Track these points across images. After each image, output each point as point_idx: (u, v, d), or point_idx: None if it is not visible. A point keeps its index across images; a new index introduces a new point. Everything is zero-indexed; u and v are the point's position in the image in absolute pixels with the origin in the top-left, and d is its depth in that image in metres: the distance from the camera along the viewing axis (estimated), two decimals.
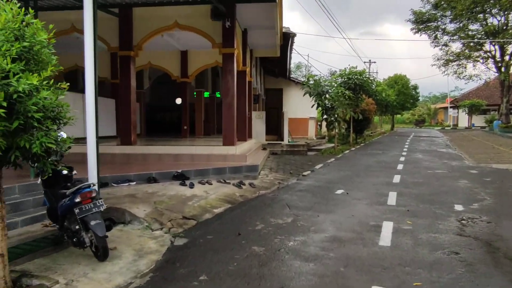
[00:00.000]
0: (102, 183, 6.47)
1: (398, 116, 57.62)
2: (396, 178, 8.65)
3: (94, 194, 3.72)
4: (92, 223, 3.53)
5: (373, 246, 4.18)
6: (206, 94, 20.31)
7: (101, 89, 17.69)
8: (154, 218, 5.07)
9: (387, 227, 4.85)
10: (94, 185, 3.92)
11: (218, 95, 20.23)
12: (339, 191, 7.21)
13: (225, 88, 9.25)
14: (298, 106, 23.55)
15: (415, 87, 41.46)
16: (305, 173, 9.34)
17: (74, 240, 3.63)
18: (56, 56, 3.29)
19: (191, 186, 6.83)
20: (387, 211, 5.69)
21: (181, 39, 13.03)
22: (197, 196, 6.25)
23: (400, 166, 10.74)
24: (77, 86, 18.49)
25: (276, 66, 20.55)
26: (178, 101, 23.61)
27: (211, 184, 7.22)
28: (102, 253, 3.58)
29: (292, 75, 29.16)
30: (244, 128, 12.06)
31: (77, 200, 3.58)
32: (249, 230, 4.77)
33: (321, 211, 5.70)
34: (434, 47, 30.15)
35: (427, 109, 59.01)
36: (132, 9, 9.44)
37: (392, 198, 6.57)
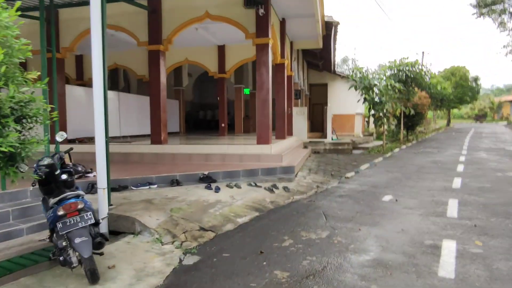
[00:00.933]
0: (121, 186, 6.03)
1: (455, 110, 53.50)
2: (457, 182, 7.40)
3: (80, 206, 3.13)
4: (77, 240, 2.95)
5: (431, 277, 3.22)
6: (247, 91, 19.77)
7: (140, 87, 17.80)
8: (166, 229, 4.45)
9: (449, 249, 3.84)
10: (82, 196, 3.33)
11: (247, 92, 19.61)
12: (387, 198, 6.18)
13: (260, 82, 8.51)
14: (344, 101, 22.26)
15: (476, 79, 37.97)
16: (348, 175, 8.35)
17: (61, 258, 3.09)
18: (27, 41, 2.71)
19: (217, 190, 6.17)
20: (448, 226, 4.63)
21: (217, 32, 12.48)
22: (221, 202, 5.57)
23: (460, 168, 9.35)
24: (118, 86, 18.80)
25: (319, 60, 19.44)
26: None
27: (240, 187, 6.52)
28: (89, 276, 3.00)
29: (338, 70, 27.79)
30: (282, 125, 11.26)
31: (60, 213, 3.02)
32: (274, 247, 3.99)
33: (363, 223, 4.77)
34: (500, 32, 27.16)
35: (489, 102, 54.11)
36: (160, 1, 8.99)
37: (452, 208, 5.45)
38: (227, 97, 17.25)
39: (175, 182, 6.44)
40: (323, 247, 3.98)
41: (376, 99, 14.15)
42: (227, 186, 6.54)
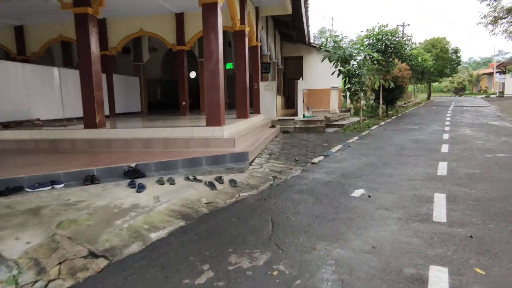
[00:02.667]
0: (10, 189, 4.54)
1: (435, 84, 53.04)
2: (442, 168, 6.21)
3: None
4: None
5: None
6: (230, 66, 18.07)
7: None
8: (35, 258, 3.05)
9: (440, 281, 2.59)
10: None
11: (229, 67, 17.99)
12: (358, 192, 4.92)
13: (207, 51, 6.98)
14: (320, 75, 20.91)
15: (456, 51, 37.12)
16: (315, 160, 7.06)
17: None
18: None
19: (140, 189, 4.76)
20: (435, 239, 3.38)
21: None
22: (139, 207, 4.19)
23: (445, 148, 8.19)
24: (72, 61, 16.81)
25: (293, 30, 17.84)
26: (192, 74, 21.57)
27: (174, 183, 5.13)
28: None
29: (316, 42, 26.26)
30: (244, 102, 9.82)
31: None
32: None
33: (322, 236, 3.49)
34: (480, 2, 26.00)
35: (468, 75, 53.77)
36: None
37: (440, 208, 4.23)
38: (192, 72, 15.65)
39: (89, 180, 4.98)
40: (255, 286, 2.66)
41: (352, 71, 12.82)
42: (158, 182, 5.14)
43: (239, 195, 4.89)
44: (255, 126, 9.66)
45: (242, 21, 9.62)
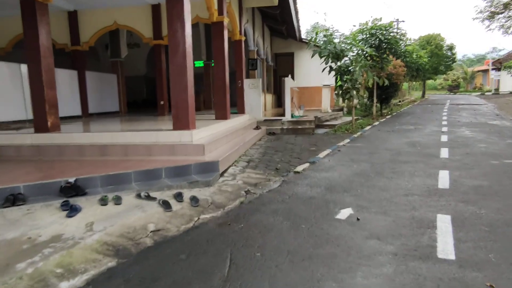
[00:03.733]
0: None
1: (429, 81, 52.45)
2: (444, 179, 5.32)
3: None
4: None
5: None
6: (199, 63, 17.16)
7: (61, 59, 14.84)
8: None
9: None
10: None
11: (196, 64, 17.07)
12: (345, 213, 4.02)
13: (172, 43, 6.02)
14: (313, 72, 20.02)
15: (451, 47, 36.40)
16: (299, 169, 6.15)
17: None
18: None
19: (72, 212, 3.82)
20: None
21: None
22: (60, 240, 3.25)
23: (444, 152, 7.32)
24: None
25: (282, 24, 16.91)
26: None
27: (120, 203, 4.19)
28: None
29: (308, 38, 25.36)
30: (223, 102, 8.87)
31: None
32: None
33: (291, 287, 2.58)
34: None
35: (462, 72, 53.19)
36: None
37: (445, 237, 3.33)
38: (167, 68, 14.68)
39: (10, 200, 4.02)
40: None
41: (344, 67, 11.92)
42: (100, 201, 4.20)
43: (198, 218, 3.96)
44: (236, 128, 8.73)
45: (220, 12, 8.66)
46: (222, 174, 5.61)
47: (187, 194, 4.61)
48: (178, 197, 4.42)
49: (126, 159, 5.66)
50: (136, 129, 6.90)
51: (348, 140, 9.23)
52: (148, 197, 4.37)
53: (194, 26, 15.16)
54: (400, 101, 27.76)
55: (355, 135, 10.18)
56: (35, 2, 6.35)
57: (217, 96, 8.91)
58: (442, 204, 4.21)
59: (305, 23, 74.71)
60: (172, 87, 6.09)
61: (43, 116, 6.57)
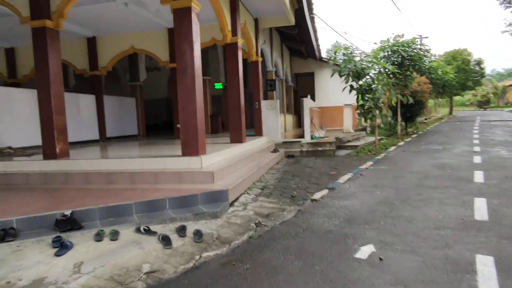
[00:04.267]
0: None
1: (457, 97, 50.74)
2: (481, 208, 4.71)
3: None
4: None
5: None
6: (218, 86, 17.06)
7: (81, 83, 15.05)
8: None
9: None
10: None
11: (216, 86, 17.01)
12: (365, 251, 3.51)
13: (180, 65, 5.80)
14: (334, 92, 19.56)
15: (479, 62, 35.11)
16: (316, 196, 5.67)
17: None
18: None
19: (62, 250, 3.50)
20: None
21: (161, 11, 9.85)
22: (42, 286, 2.91)
23: (478, 176, 6.65)
24: (68, 83, 16.10)
25: (301, 44, 16.70)
26: None
27: (116, 238, 3.85)
28: None
29: (328, 57, 25.07)
30: (238, 124, 8.57)
31: None
32: None
33: None
34: (505, 9, 24.37)
35: (492, 87, 51.22)
36: None
37: (489, 285, 2.77)
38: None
39: (2, 235, 3.76)
40: None
41: (365, 86, 11.44)
42: (96, 236, 3.87)
43: (200, 257, 3.55)
44: (251, 151, 8.37)
45: (234, 33, 8.47)
46: (232, 204, 5.20)
47: (191, 227, 4.23)
48: (181, 231, 4.04)
49: (131, 188, 5.36)
50: (145, 155, 6.66)
51: (371, 163, 8.67)
52: (148, 231, 4.02)
53: (213, 48, 15.20)
54: (426, 119, 26.75)
55: (379, 157, 9.59)
56: (46, 29, 6.33)
57: (231, 119, 8.62)
58: (481, 241, 3.62)
59: (325, 43, 74.65)
60: (181, 112, 5.83)
61: (51, 142, 6.45)
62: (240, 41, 8.68)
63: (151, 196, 4.75)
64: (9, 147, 8.77)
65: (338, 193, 5.92)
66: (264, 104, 11.43)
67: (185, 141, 5.84)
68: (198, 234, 3.97)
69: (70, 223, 4.00)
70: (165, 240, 3.78)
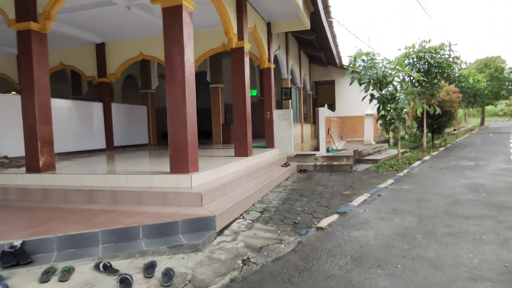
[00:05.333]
0: None
1: (488, 107, 48.25)
2: None
3: None
4: None
5: None
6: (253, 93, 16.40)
7: (95, 91, 14.75)
8: None
9: None
10: None
11: (253, 93, 16.37)
12: None
13: (169, 70, 5.14)
14: (355, 101, 18.52)
15: None
16: (323, 223, 4.84)
17: None
18: None
19: None
20: None
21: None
22: None
23: None
24: (81, 90, 15.91)
25: (319, 51, 15.90)
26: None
27: (67, 279, 3.16)
28: None
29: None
30: (243, 136, 7.83)
31: None
32: None
33: None
34: None
35: None
36: None
37: None
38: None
39: None
40: None
41: (387, 94, 10.48)
42: (44, 274, 3.19)
43: None
44: (258, 166, 7.61)
45: (240, 37, 7.79)
46: (221, 232, 4.44)
47: (163, 263, 3.50)
48: (148, 270, 3.32)
49: (109, 210, 4.70)
50: (133, 170, 6.00)
51: (391, 181, 7.71)
52: (109, 269, 3.31)
53: (227, 54, 14.59)
54: (455, 130, 25.18)
55: (401, 174, 8.60)
56: (31, 32, 5.84)
57: (236, 130, 7.90)
58: None
59: (348, 51, 73.15)
60: (169, 123, 5.15)
61: (35, 154, 5.92)
62: (247, 46, 7.98)
63: (124, 222, 4.05)
64: (5, 157, 8.38)
65: (350, 220, 5.05)
66: (276, 113, 10.67)
67: (173, 156, 5.15)
68: (167, 275, 3.22)
69: (17, 257, 3.35)
70: (124, 284, 3.06)
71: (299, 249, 4.02)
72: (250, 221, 4.95)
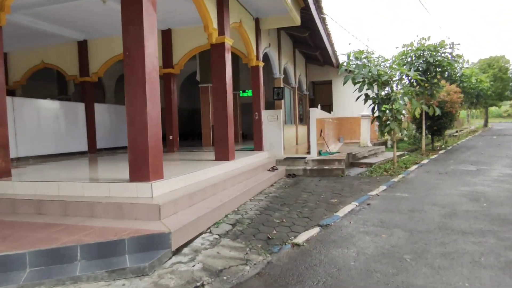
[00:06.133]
0: None
1: (492, 108, 47.49)
2: None
3: None
4: None
5: None
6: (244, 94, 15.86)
7: (78, 91, 14.19)
8: None
9: None
10: None
11: (242, 94, 15.78)
12: None
13: (128, 66, 4.56)
14: (353, 101, 17.98)
15: None
16: (300, 239, 4.25)
17: None
18: None
19: None
20: None
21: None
22: None
23: None
24: (67, 91, 15.39)
25: (315, 49, 15.31)
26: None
27: None
28: None
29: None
30: (224, 139, 7.25)
31: None
32: None
33: None
34: None
35: None
36: None
37: None
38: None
39: None
40: None
41: (382, 94, 9.88)
42: None
43: None
44: (241, 170, 7.03)
45: (221, 31, 7.22)
46: (179, 250, 3.86)
47: None
48: None
49: (55, 223, 4.13)
50: (92, 177, 5.42)
51: (384, 187, 7.11)
52: None
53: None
54: (456, 132, 24.50)
55: (395, 179, 7.99)
56: None
57: (217, 132, 7.32)
58: None
59: (345, 48, 72.04)
60: (128, 125, 4.58)
61: None
62: (229, 41, 7.40)
63: (61, 240, 3.48)
64: None
65: (331, 234, 4.46)
66: (265, 114, 10.09)
67: (133, 162, 4.58)
68: None
69: None
70: None
71: (266, 272, 3.43)
72: (217, 236, 4.37)
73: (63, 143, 10.62)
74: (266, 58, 13.07)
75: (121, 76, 15.00)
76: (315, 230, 4.60)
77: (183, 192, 4.82)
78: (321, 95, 23.40)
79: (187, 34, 10.53)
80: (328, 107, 21.06)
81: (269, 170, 8.52)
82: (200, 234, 4.38)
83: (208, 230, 4.54)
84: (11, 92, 12.29)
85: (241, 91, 15.60)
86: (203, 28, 7.05)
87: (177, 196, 4.56)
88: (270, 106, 13.43)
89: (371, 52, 9.92)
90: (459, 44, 35.29)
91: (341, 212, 5.41)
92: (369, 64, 9.72)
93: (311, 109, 9.85)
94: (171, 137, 10.76)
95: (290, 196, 6.63)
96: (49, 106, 10.45)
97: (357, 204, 5.89)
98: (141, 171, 4.52)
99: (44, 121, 10.06)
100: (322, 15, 10.70)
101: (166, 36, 10.59)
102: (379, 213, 5.37)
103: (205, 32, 7.07)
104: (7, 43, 11.60)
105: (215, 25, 7.11)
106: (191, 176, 5.50)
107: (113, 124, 12.64)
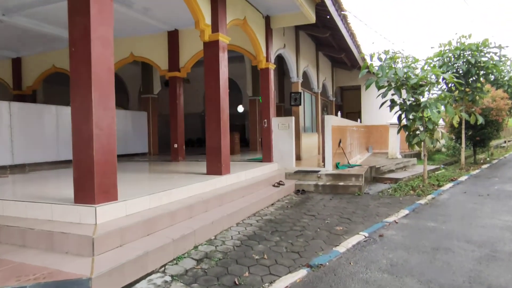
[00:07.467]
0: None
1: None
2: None
3: None
4: None
5: None
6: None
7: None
8: None
9: None
10: None
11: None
12: None
13: (73, 64, 3.78)
14: (383, 108, 16.56)
15: None
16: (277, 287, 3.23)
17: None
18: None
19: None
20: None
21: (151, 9, 8.21)
22: None
23: None
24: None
25: (339, 52, 14.13)
26: (240, 109, 18.83)
27: None
28: None
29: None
30: (217, 149, 6.34)
31: None
32: None
33: None
34: None
35: None
36: None
37: None
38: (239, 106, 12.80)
39: None
40: None
41: (411, 100, 8.58)
42: None
43: None
44: (238, 186, 6.13)
45: (215, 28, 6.34)
46: None
47: None
48: None
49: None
50: (42, 196, 4.65)
51: (406, 212, 5.87)
52: None
53: (241, 59, 13.28)
54: (505, 142, 22.11)
55: (422, 201, 6.70)
56: None
57: (209, 141, 6.41)
58: None
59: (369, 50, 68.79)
60: (73, 136, 3.78)
61: None
62: (225, 39, 6.51)
63: None
64: None
65: (320, 281, 3.39)
66: (275, 122, 9.09)
67: (77, 181, 3.77)
68: None
69: None
70: None
71: None
72: (169, 279, 3.43)
73: (57, 150, 10.16)
74: (281, 60, 12.10)
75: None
76: (301, 273, 3.56)
77: (141, 217, 3.94)
78: (349, 102, 22.04)
79: (196, 35, 9.79)
80: (356, 114, 19.67)
81: (274, 186, 7.50)
82: (149, 274, 3.46)
83: (162, 269, 3.62)
84: (23, 97, 12.16)
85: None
86: (194, 24, 6.21)
87: (129, 223, 3.69)
88: (289, 113, 12.44)
89: (397, 52, 8.66)
90: (507, 46, 32.36)
91: (343, 246, 4.31)
92: (395, 66, 8.49)
93: (326, 116, 8.72)
94: (175, 146, 10.03)
95: (287, 221, 5.57)
96: (40, 110, 10.00)
97: (367, 235, 4.75)
98: (85, 191, 3.70)
99: (49, 127, 9.70)
100: (342, 12, 9.57)
101: (172, 38, 9.93)
102: (391, 250, 4.20)
103: (196, 28, 6.23)
104: (28, 48, 11.54)
105: (208, 21, 6.26)
106: (162, 195, 4.63)
107: (123, 131, 12.15)
